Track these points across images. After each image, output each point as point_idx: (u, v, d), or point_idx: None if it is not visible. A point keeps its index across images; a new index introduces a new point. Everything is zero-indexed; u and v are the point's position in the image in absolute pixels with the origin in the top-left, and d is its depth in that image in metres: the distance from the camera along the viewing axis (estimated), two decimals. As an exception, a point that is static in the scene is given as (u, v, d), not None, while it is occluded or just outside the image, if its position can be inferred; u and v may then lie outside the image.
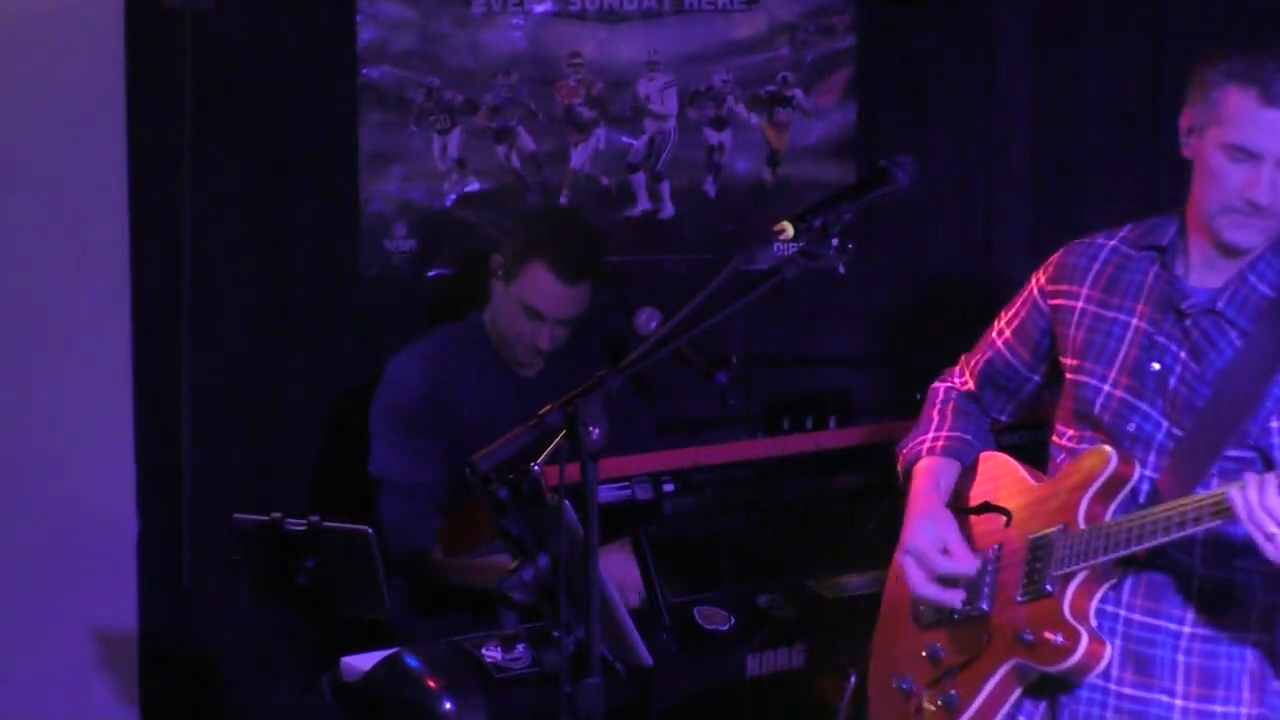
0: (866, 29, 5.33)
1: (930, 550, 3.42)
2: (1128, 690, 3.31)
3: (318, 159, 5.16)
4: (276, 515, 3.98)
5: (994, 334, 3.63)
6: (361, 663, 4.01)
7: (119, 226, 5.06)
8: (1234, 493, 3.04)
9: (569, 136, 5.24)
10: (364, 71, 5.12)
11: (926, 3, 5.34)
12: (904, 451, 3.65)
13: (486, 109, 5.19)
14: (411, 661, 3.92)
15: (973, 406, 3.67)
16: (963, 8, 5.39)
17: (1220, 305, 3.28)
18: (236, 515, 4.05)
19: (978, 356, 3.66)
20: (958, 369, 3.71)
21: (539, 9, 5.19)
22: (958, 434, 3.61)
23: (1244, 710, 3.29)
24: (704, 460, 4.18)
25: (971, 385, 3.67)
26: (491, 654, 3.91)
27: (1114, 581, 3.29)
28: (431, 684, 3.86)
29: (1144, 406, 3.32)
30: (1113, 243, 3.46)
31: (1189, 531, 3.12)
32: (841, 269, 3.48)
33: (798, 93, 5.31)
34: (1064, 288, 3.47)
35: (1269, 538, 3.02)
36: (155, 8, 4.98)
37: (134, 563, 5.14)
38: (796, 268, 3.20)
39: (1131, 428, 3.32)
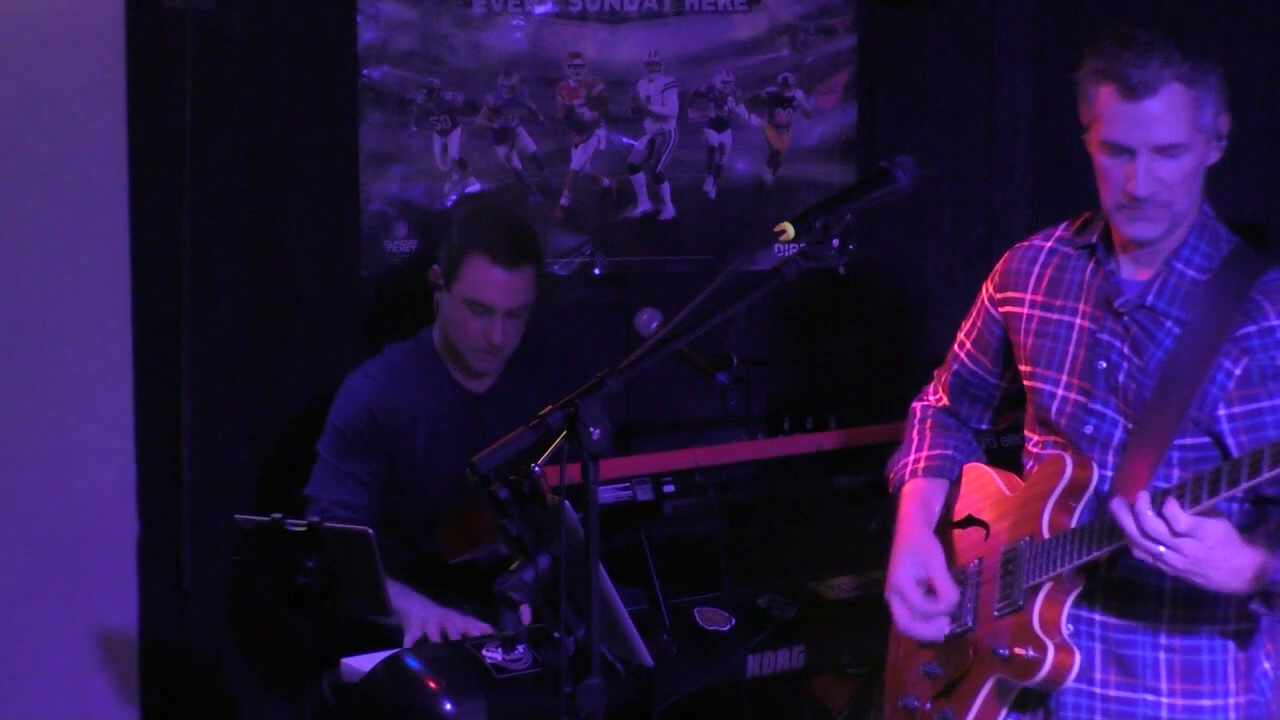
0: (866, 29, 5.34)
1: (911, 588, 3.46)
2: (1113, 692, 3.33)
3: (318, 159, 5.16)
4: (277, 516, 3.98)
5: (956, 347, 3.65)
6: (362, 663, 4.01)
7: (119, 226, 5.06)
8: (1120, 518, 3.07)
9: (570, 137, 5.24)
10: (365, 72, 5.12)
11: (926, 3, 5.34)
12: (891, 475, 3.67)
13: (487, 110, 5.19)
14: (412, 662, 3.92)
15: (951, 420, 3.68)
16: (963, 8, 5.39)
17: (1150, 300, 3.29)
18: (237, 515, 4.05)
19: (945, 371, 3.68)
20: (931, 386, 3.72)
21: (540, 10, 5.19)
22: (938, 451, 3.62)
23: (1232, 700, 3.30)
24: (704, 460, 4.19)
25: (946, 400, 3.68)
26: (492, 654, 3.91)
27: (1080, 589, 3.29)
28: (432, 685, 3.86)
29: (1098, 407, 3.32)
30: (1049, 244, 3.46)
31: (1116, 545, 3.15)
32: (841, 269, 3.48)
33: (798, 94, 5.32)
34: (1011, 294, 3.49)
35: (1157, 558, 3.05)
36: (156, 7, 4.98)
37: (134, 563, 5.14)
38: (797, 268, 3.20)
39: (1089, 430, 3.33)
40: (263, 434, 5.17)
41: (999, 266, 3.52)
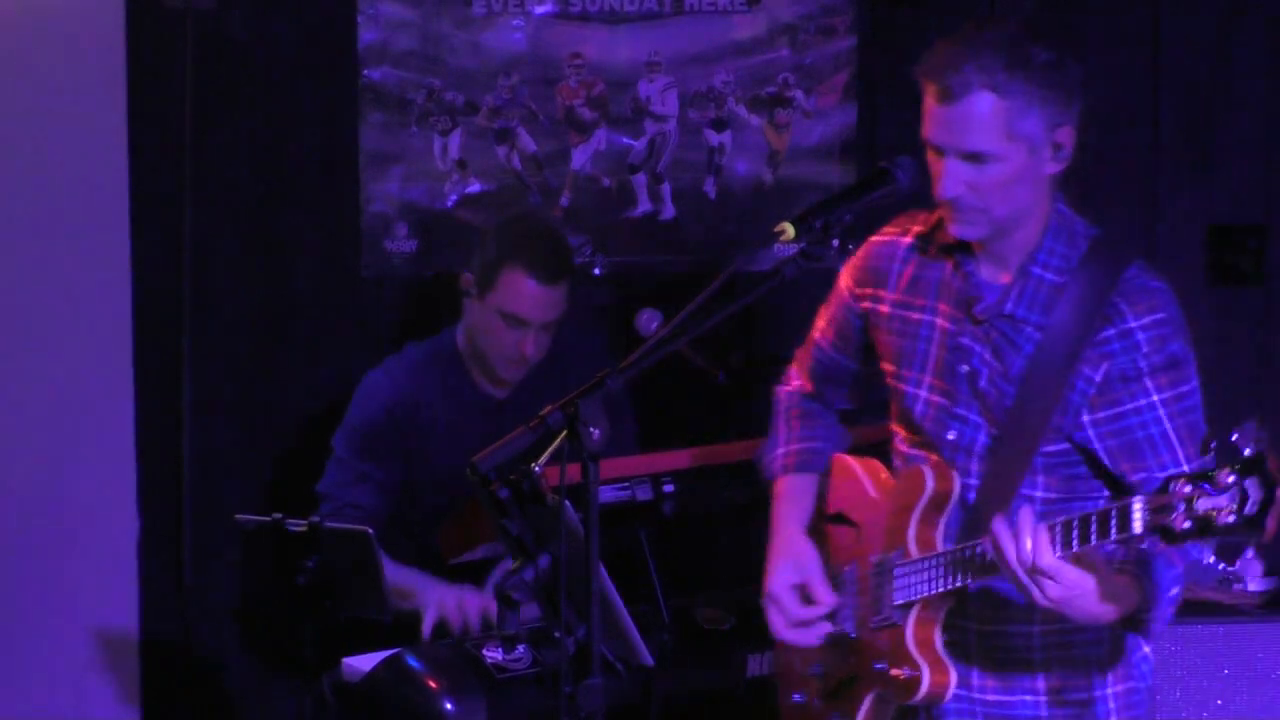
0: (866, 29, 5.33)
1: (787, 595, 3.43)
2: (991, 697, 3.32)
3: (318, 159, 5.16)
4: (277, 515, 3.98)
5: (817, 334, 3.62)
6: (362, 663, 4.01)
7: (119, 226, 5.07)
8: (1002, 540, 3.03)
9: (570, 137, 5.24)
10: (365, 72, 5.13)
11: (926, 3, 5.34)
12: (763, 465, 3.65)
13: (487, 110, 5.20)
14: (412, 662, 3.92)
15: (815, 405, 3.66)
16: (963, 8, 5.39)
17: (1009, 308, 3.26)
18: (237, 515, 4.06)
19: (807, 357, 3.66)
20: (794, 369, 3.69)
21: (540, 10, 5.19)
22: (806, 445, 3.60)
23: (1110, 690, 3.30)
24: (704, 460, 4.18)
25: (809, 386, 3.66)
26: (492, 654, 3.91)
27: (951, 605, 3.27)
28: (432, 684, 3.86)
29: (961, 411, 3.30)
30: (909, 240, 3.43)
31: (986, 578, 3.13)
32: (841, 269, 3.49)
33: (798, 94, 5.32)
34: (869, 291, 3.46)
35: (1023, 587, 3.02)
36: (156, 7, 4.98)
37: (134, 563, 5.14)
38: (797, 268, 3.20)
39: (952, 436, 3.31)
40: (263, 434, 5.17)
41: (856, 260, 3.46)
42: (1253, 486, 2.73)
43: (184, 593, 5.14)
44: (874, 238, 3.48)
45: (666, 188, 5.29)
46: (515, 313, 4.41)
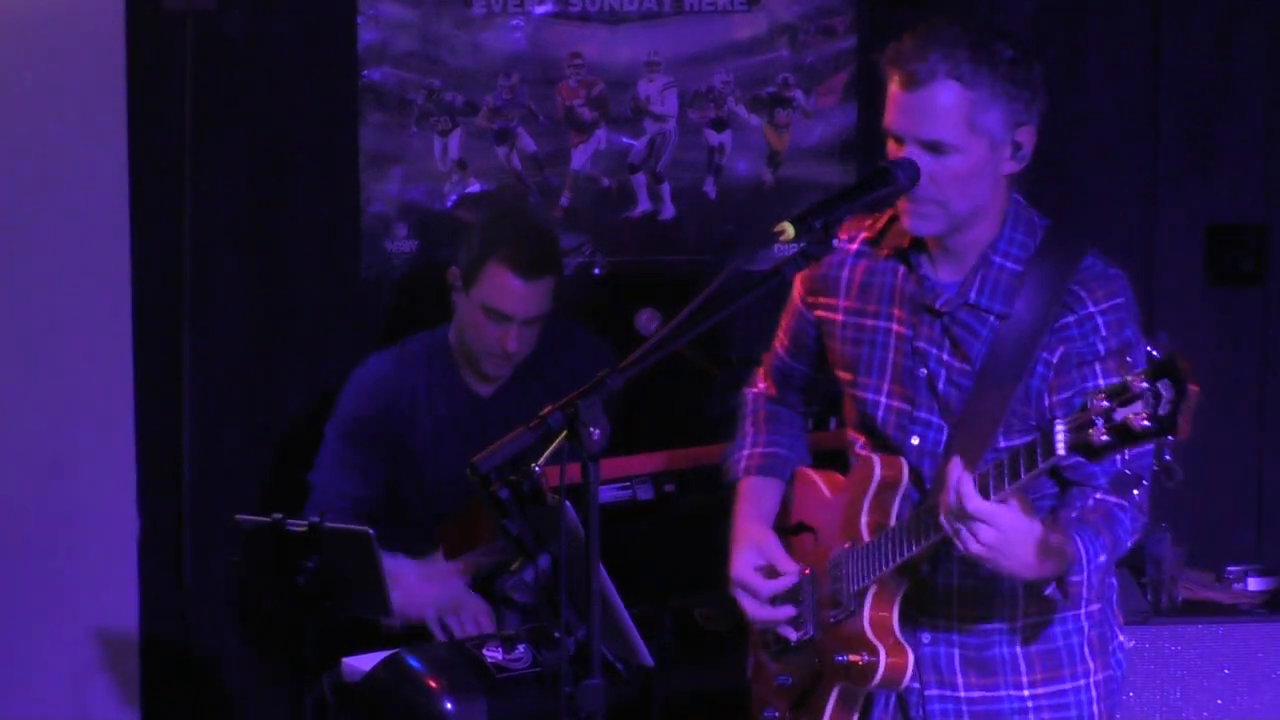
0: (866, 29, 5.33)
1: (753, 576, 3.45)
2: (977, 694, 3.33)
3: (318, 159, 5.16)
4: (277, 516, 3.99)
5: (776, 343, 3.63)
6: (362, 663, 4.01)
7: (119, 226, 5.07)
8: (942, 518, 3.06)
9: (569, 137, 5.24)
10: (365, 72, 5.13)
11: (926, 3, 5.34)
12: (727, 466, 3.65)
13: (487, 110, 5.19)
14: (412, 662, 3.92)
15: (780, 409, 3.67)
16: (963, 8, 5.39)
17: (972, 297, 3.27)
18: (238, 516, 4.06)
19: (769, 363, 3.67)
20: (761, 371, 3.70)
21: (539, 10, 5.19)
22: (770, 449, 3.61)
23: (1092, 679, 3.33)
24: (704, 460, 4.18)
25: (773, 390, 3.68)
26: (492, 654, 3.91)
27: (904, 589, 3.28)
28: (432, 684, 3.86)
29: (923, 415, 3.32)
30: (855, 246, 3.42)
31: (928, 542, 3.15)
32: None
33: (798, 94, 5.31)
34: (822, 300, 3.47)
35: (955, 534, 3.04)
36: (156, 8, 4.98)
37: (134, 562, 5.14)
38: (797, 268, 3.21)
39: (915, 441, 3.32)
40: (263, 434, 5.17)
41: (807, 270, 3.42)
42: (1164, 388, 2.77)
43: (184, 593, 5.14)
44: None
45: (666, 188, 5.29)
46: (498, 307, 4.43)
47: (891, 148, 3.24)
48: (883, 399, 3.36)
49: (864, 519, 3.32)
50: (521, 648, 3.90)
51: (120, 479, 5.11)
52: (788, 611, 3.45)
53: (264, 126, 5.13)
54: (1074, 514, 3.17)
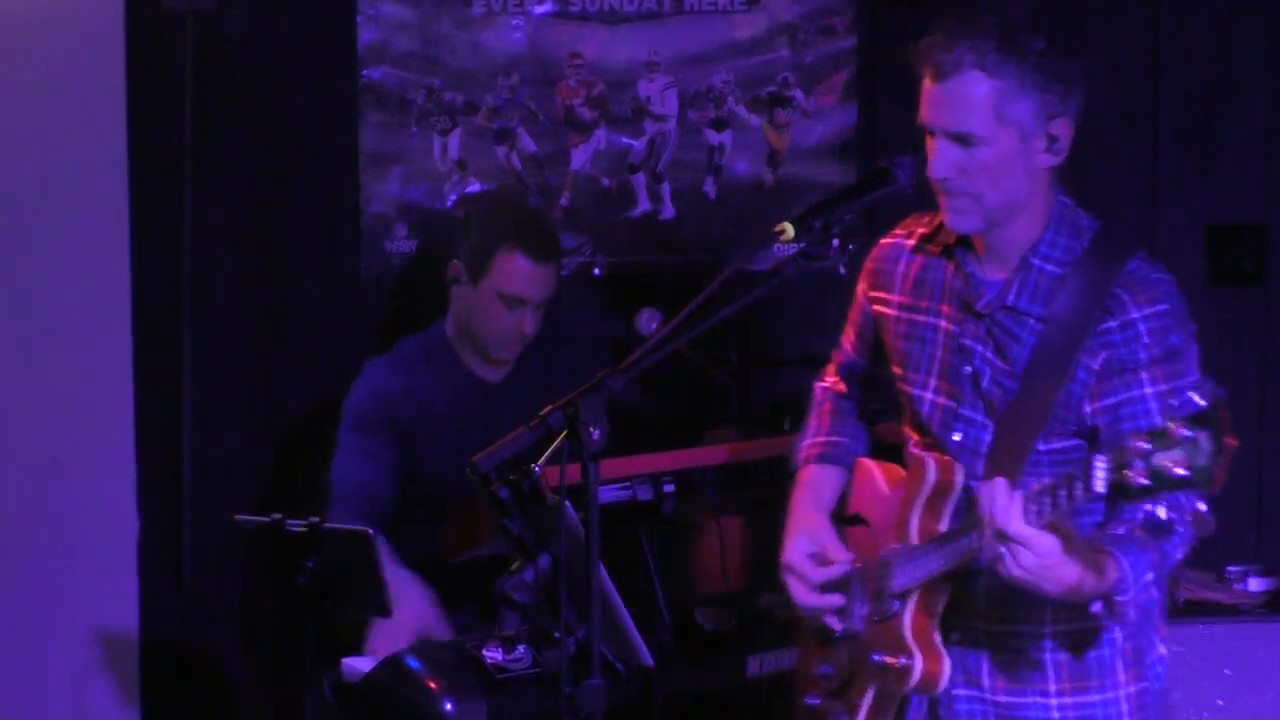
0: (866, 29, 5.33)
1: (804, 562, 3.44)
2: (1003, 698, 3.32)
3: (318, 159, 5.17)
4: (277, 516, 3.98)
5: (843, 339, 3.64)
6: (362, 663, 4.01)
7: (119, 227, 5.07)
8: (983, 502, 3.04)
9: (569, 137, 5.24)
10: (365, 72, 5.13)
11: (926, 2, 5.34)
12: (791, 455, 3.66)
13: (487, 110, 5.20)
14: (412, 662, 3.92)
15: (848, 404, 3.67)
16: (963, 8, 5.39)
17: (1011, 299, 3.26)
18: (238, 516, 4.05)
19: (837, 358, 3.68)
20: (831, 367, 3.71)
21: (539, 10, 5.19)
22: (834, 438, 3.62)
23: (1123, 691, 3.29)
24: (704, 460, 4.19)
25: (841, 386, 3.68)
26: (492, 654, 3.91)
27: (951, 595, 3.28)
28: (432, 685, 3.86)
29: (967, 412, 3.30)
30: (912, 241, 3.43)
31: (975, 554, 3.13)
32: (842, 269, 3.48)
33: (798, 93, 5.32)
34: (880, 294, 3.47)
35: (999, 557, 3.02)
36: (155, 8, 4.99)
37: (134, 563, 5.14)
38: (797, 268, 3.20)
39: (957, 437, 3.30)
40: (263, 434, 5.17)
41: (869, 264, 3.48)
42: (1204, 439, 2.77)
43: (184, 593, 5.14)
44: (883, 240, 3.50)
45: (666, 188, 5.29)
46: (514, 293, 4.46)
47: (928, 144, 3.24)
48: (929, 395, 3.35)
49: (915, 522, 3.31)
50: (521, 648, 3.90)
51: (120, 479, 5.12)
52: (834, 600, 3.44)
53: (264, 126, 5.13)
54: (1121, 529, 3.13)
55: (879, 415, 3.73)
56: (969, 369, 3.29)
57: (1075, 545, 3.02)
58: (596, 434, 2.98)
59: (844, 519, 3.55)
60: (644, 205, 5.30)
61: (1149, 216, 5.32)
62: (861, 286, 3.52)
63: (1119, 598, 3.08)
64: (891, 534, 3.37)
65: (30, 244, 5.04)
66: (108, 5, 4.99)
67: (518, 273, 4.46)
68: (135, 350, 5.10)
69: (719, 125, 5.30)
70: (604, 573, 3.34)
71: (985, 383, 3.28)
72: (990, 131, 3.17)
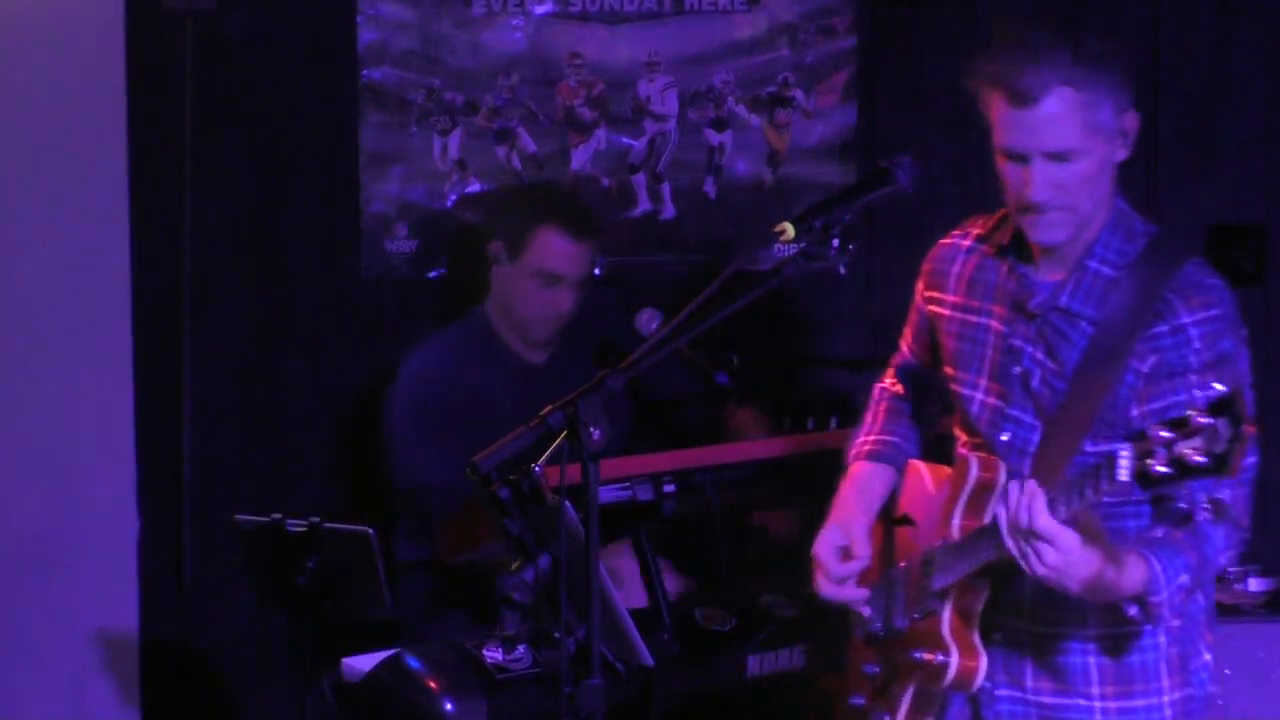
0: (866, 29, 5.33)
1: (829, 554, 3.46)
2: (1046, 699, 3.32)
3: (318, 159, 5.16)
4: (277, 516, 3.99)
5: (902, 340, 3.66)
6: (362, 663, 4.01)
7: (119, 227, 5.07)
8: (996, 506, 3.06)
9: (569, 137, 5.24)
10: (365, 72, 5.13)
11: (926, 2, 5.34)
12: (844, 451, 3.67)
13: (487, 110, 5.19)
14: (412, 662, 3.92)
15: (904, 405, 3.68)
16: (963, 8, 5.39)
17: (1064, 300, 3.26)
18: (238, 516, 4.06)
19: (897, 360, 3.69)
20: (891, 369, 3.72)
21: (539, 10, 5.19)
22: (886, 437, 3.63)
23: (1167, 698, 3.29)
24: (704, 460, 4.19)
25: (898, 387, 3.69)
26: (493, 655, 3.91)
27: (988, 592, 3.28)
28: (432, 685, 3.86)
29: (1015, 413, 3.31)
30: (969, 242, 3.45)
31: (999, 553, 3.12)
32: (842, 269, 3.48)
33: (798, 93, 5.31)
34: (936, 294, 3.48)
35: (1022, 556, 3.03)
36: (155, 8, 4.98)
37: (134, 563, 5.14)
38: (797, 268, 3.21)
39: (1005, 437, 3.31)
40: (263, 434, 5.17)
41: (926, 265, 3.49)
42: (1223, 425, 2.78)
43: (184, 593, 5.14)
44: (941, 240, 3.51)
45: (666, 187, 5.29)
46: (552, 270, 4.52)
47: (1004, 165, 3.22)
48: (978, 395, 3.36)
49: (957, 519, 3.32)
50: (521, 648, 3.90)
51: (120, 479, 5.11)
52: (856, 594, 3.46)
53: (264, 126, 5.12)
54: (1159, 533, 3.13)
55: (940, 415, 3.74)
56: (1018, 369, 3.30)
57: (1093, 537, 3.01)
58: (596, 434, 2.99)
59: (893, 519, 3.57)
60: (644, 205, 5.30)
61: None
62: (919, 287, 3.53)
63: (1152, 599, 3.07)
64: (936, 532, 3.38)
65: (30, 244, 5.03)
66: (108, 5, 4.99)
67: (556, 250, 4.52)
68: (135, 350, 5.10)
69: (719, 125, 5.30)
70: (604, 573, 3.34)
71: (1035, 383, 3.28)
72: (1084, 143, 3.17)
